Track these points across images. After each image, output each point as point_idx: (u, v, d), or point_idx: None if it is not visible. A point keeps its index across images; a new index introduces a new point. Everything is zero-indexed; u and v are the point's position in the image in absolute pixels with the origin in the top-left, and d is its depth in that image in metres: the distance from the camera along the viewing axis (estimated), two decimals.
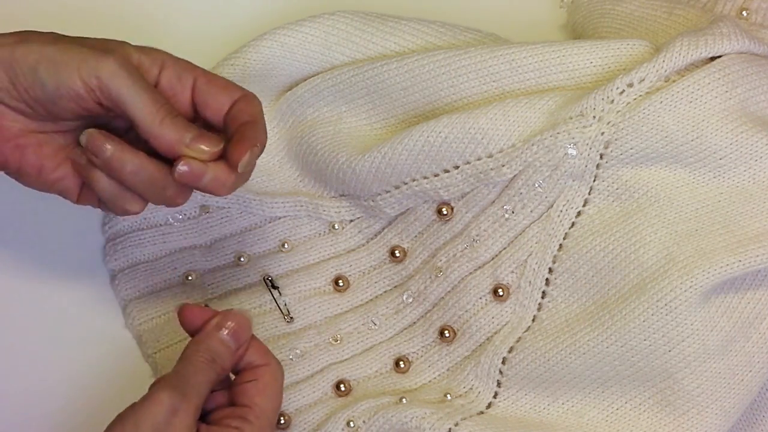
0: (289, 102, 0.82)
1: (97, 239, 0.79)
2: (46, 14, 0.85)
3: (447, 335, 0.76)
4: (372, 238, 0.80)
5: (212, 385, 0.66)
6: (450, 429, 0.71)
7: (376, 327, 0.78)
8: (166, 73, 0.70)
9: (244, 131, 0.68)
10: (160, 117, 0.67)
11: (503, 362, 0.74)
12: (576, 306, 0.73)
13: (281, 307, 0.78)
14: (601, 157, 0.72)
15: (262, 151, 0.69)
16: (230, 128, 0.69)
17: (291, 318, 0.78)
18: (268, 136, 0.71)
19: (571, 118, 0.72)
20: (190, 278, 0.78)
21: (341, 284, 0.79)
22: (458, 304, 0.75)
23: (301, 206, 0.81)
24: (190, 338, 0.68)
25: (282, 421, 0.74)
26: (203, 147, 0.67)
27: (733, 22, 0.73)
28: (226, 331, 0.67)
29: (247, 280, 0.79)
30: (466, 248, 0.76)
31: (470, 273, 0.75)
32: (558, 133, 0.72)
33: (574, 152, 0.72)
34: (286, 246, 0.80)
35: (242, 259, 0.80)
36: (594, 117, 0.72)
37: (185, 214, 0.80)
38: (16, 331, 0.75)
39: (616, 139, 0.72)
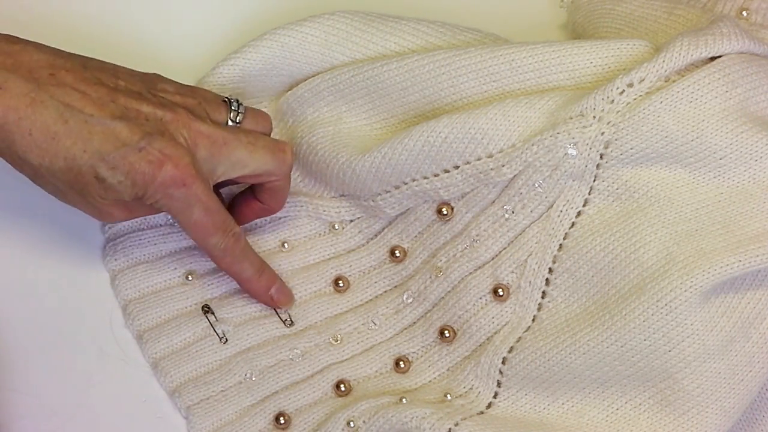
0: (289, 102, 0.82)
1: (97, 239, 0.79)
2: (45, 15, 0.85)
3: (447, 335, 0.76)
4: (372, 238, 0.80)
5: None
6: (450, 429, 0.71)
7: (376, 327, 0.78)
8: None
9: None
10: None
11: (503, 362, 0.74)
12: (576, 306, 0.73)
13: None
14: (601, 157, 0.72)
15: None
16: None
17: (291, 323, 0.78)
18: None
19: (571, 118, 0.72)
20: (190, 278, 0.78)
21: (341, 284, 0.79)
22: (458, 304, 0.75)
23: (301, 206, 0.81)
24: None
25: (282, 421, 0.74)
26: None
27: (733, 22, 0.73)
28: None
29: None
30: (466, 248, 0.76)
31: (470, 273, 0.75)
32: (558, 133, 0.72)
33: (574, 152, 0.72)
34: (286, 246, 0.80)
35: None
36: (594, 117, 0.72)
37: None
38: (15, 331, 0.75)
39: (616, 139, 0.72)
